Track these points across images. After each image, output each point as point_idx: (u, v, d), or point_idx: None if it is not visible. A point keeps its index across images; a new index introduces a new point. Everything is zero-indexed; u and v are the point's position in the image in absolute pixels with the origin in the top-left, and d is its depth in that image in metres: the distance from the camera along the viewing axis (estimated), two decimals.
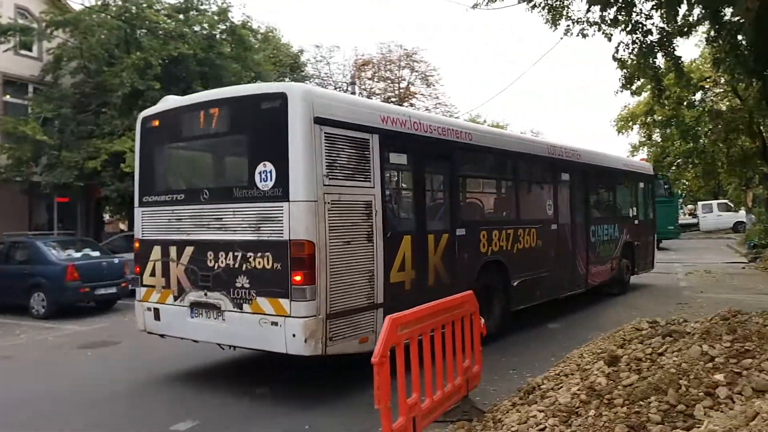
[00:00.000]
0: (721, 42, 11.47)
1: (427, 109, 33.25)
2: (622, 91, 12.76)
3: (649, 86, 13.16)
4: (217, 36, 21.14)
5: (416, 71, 34.21)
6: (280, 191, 6.48)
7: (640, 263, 15.30)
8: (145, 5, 19.87)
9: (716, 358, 4.31)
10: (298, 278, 6.34)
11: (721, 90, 19.42)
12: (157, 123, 7.91)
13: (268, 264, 6.55)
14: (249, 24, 22.77)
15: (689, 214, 47.97)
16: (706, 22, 11.77)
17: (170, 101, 8.16)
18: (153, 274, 7.67)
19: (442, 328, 5.17)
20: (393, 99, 33.62)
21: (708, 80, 18.83)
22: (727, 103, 19.32)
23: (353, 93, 31.12)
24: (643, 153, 37.17)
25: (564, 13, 11.70)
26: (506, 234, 9.76)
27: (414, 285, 7.66)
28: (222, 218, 7.00)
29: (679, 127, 19.01)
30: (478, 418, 5.17)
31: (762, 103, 14.85)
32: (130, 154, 17.33)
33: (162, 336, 7.78)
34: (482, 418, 5.13)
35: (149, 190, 7.87)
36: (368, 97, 33.47)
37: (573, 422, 4.20)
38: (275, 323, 6.45)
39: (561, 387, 4.90)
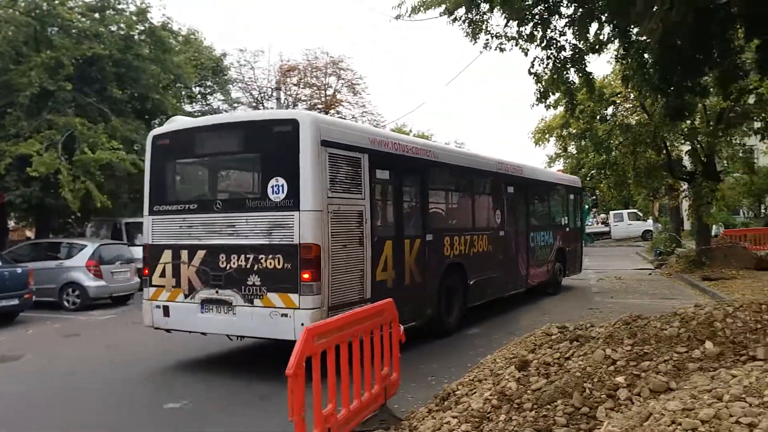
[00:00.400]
0: (629, 60, 12.02)
1: (353, 118, 33.60)
2: (537, 105, 13.19)
3: (563, 101, 13.65)
4: (135, 37, 20.49)
5: (342, 79, 34.58)
6: (291, 202, 7.67)
7: (571, 267, 16.91)
8: (57, 2, 19.04)
9: (618, 362, 4.51)
10: (306, 276, 7.51)
11: (631, 105, 20.36)
12: (168, 141, 8.89)
13: (279, 264, 7.69)
14: (169, 25, 22.22)
15: (602, 223, 49.87)
16: (616, 41, 12.32)
17: (180, 122, 9.25)
18: (163, 275, 8.58)
19: (361, 337, 5.20)
20: (319, 106, 33.49)
21: (619, 95, 19.78)
22: (636, 118, 20.29)
23: (278, 99, 30.75)
24: (559, 164, 38.28)
25: (483, 27, 11.96)
26: (464, 239, 11.04)
27: (394, 283, 8.92)
28: (234, 225, 8.08)
29: (593, 140, 19.83)
30: (395, 426, 5.24)
31: (666, 119, 15.62)
32: (38, 158, 16.65)
33: (168, 331, 8.64)
34: (399, 426, 5.18)
35: (160, 201, 8.81)
36: (294, 103, 33.25)
37: (485, 428, 4.30)
38: (285, 315, 7.58)
39: (475, 392, 5.01)
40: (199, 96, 28.30)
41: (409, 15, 11.94)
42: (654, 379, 4.09)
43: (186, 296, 8.38)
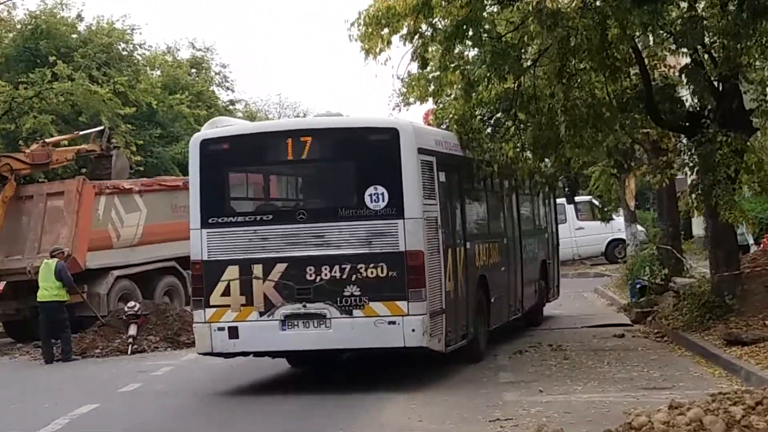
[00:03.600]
0: None
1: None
2: None
3: None
4: None
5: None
6: (394, 210, 7.88)
7: (552, 287, 13.24)
8: None
9: None
10: (414, 282, 7.82)
11: None
12: (227, 147, 8.48)
13: (382, 272, 7.87)
14: None
15: None
16: None
17: (235, 125, 9.17)
18: (226, 293, 8.15)
19: None
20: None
21: None
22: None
23: None
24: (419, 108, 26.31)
25: None
26: (486, 248, 10.16)
27: (454, 294, 8.69)
28: (324, 235, 8.04)
29: (481, 45, 10.07)
30: None
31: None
32: None
33: (230, 356, 8.47)
34: None
35: (217, 212, 8.32)
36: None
37: None
38: (393, 322, 7.82)
39: None
40: None
41: None
42: None
43: (262, 314, 8.09)
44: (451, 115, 9.87)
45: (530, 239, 12.23)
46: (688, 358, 9.04)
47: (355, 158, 8.19)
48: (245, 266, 8.10)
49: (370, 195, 7.86)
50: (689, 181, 10.70)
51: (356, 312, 7.83)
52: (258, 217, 8.44)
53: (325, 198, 8.84)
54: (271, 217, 8.37)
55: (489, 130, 10.15)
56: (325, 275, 7.90)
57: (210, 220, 8.27)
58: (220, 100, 26.44)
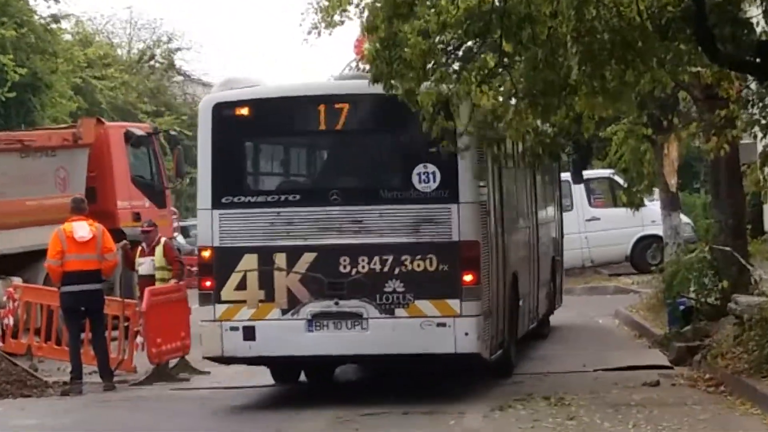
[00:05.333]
0: None
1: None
2: None
3: None
4: None
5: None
6: (447, 193, 7.16)
7: (557, 293, 11.77)
8: None
9: None
10: (468, 278, 7.13)
11: None
12: (246, 112, 7.58)
13: (431, 266, 7.13)
14: None
15: None
16: None
17: (255, 86, 7.91)
18: (242, 286, 7.44)
19: None
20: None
21: None
22: None
23: None
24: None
25: None
26: (516, 238, 9.21)
27: (495, 294, 7.89)
28: (362, 221, 7.31)
29: None
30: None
31: None
32: None
33: (244, 361, 7.81)
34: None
35: (233, 190, 7.56)
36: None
37: None
38: (442, 324, 7.11)
39: None
40: None
41: None
42: None
43: (285, 312, 7.34)
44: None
45: (544, 229, 10.74)
46: (757, 417, 6.25)
47: (401, 131, 7.36)
48: (266, 255, 7.39)
49: (419, 174, 7.23)
50: (761, 148, 8.11)
51: (399, 311, 7.21)
52: (282, 197, 7.64)
53: (364, 176, 7.92)
54: (298, 197, 7.59)
55: (456, 66, 7.05)
56: (363, 268, 7.25)
57: (223, 200, 7.50)
58: (38, 15, 20.21)
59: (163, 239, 10.09)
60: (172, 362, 9.07)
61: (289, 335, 7.27)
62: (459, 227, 7.10)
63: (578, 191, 14.33)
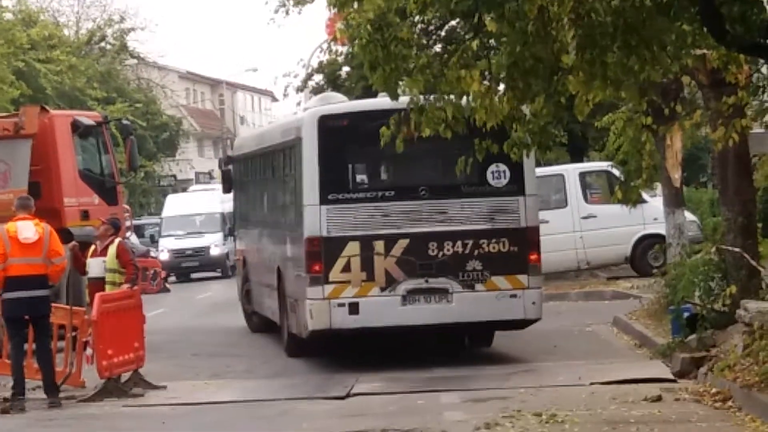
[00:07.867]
0: None
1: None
2: None
3: None
4: None
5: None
6: (516, 187, 8.79)
7: None
8: None
9: None
10: (533, 257, 8.83)
11: None
12: (346, 123, 9.05)
13: (503, 248, 8.71)
14: None
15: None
16: None
17: (348, 101, 10.19)
18: (347, 269, 8.70)
19: None
20: None
21: None
22: None
23: None
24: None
25: None
26: None
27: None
28: (447, 211, 8.84)
29: None
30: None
31: None
32: None
33: (348, 333, 8.84)
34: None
35: (337, 188, 8.91)
36: None
37: None
38: (514, 296, 8.73)
39: None
40: None
41: None
42: None
43: (383, 289, 8.65)
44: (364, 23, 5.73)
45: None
46: None
47: (477, 135, 7.84)
48: (366, 242, 8.67)
49: (492, 172, 8.64)
50: None
51: (478, 286, 8.67)
52: (379, 194, 8.95)
53: (447, 175, 8.98)
54: (392, 193, 8.92)
55: (438, 47, 6.31)
56: (448, 251, 8.65)
57: (330, 197, 8.74)
58: None
59: (117, 239, 9.15)
60: (125, 376, 8.32)
61: (388, 309, 8.62)
62: (526, 215, 8.74)
63: (573, 185, 13.39)
